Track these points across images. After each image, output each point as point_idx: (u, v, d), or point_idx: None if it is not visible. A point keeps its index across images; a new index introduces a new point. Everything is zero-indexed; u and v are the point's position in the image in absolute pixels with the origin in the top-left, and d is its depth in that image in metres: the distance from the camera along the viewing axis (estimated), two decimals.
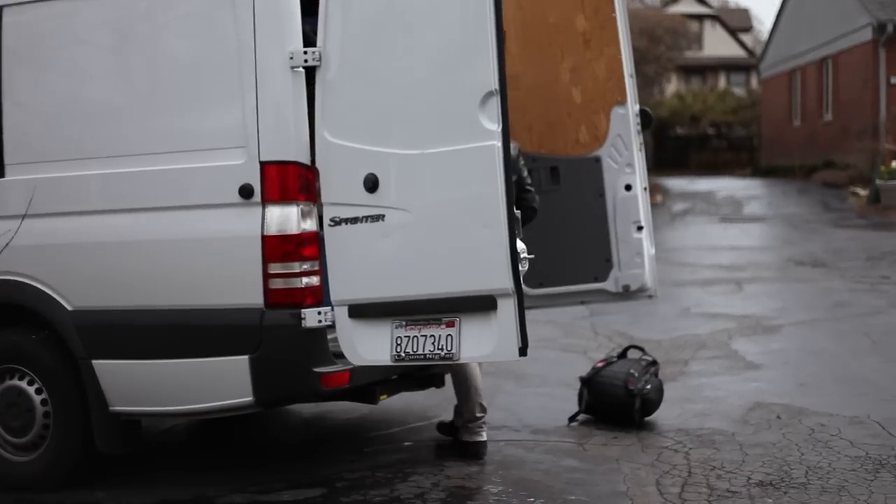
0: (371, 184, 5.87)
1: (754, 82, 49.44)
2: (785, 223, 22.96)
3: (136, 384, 6.43)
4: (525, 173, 7.16)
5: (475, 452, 6.98)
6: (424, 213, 5.80)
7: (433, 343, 5.84)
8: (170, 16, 6.37)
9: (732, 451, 7.12)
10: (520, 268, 5.65)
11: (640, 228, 7.71)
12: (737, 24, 57.78)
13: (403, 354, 5.92)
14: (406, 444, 7.46)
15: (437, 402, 8.31)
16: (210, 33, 6.23)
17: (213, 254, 6.20)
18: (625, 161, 7.68)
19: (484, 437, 7.04)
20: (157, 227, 6.31)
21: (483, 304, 5.68)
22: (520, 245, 5.73)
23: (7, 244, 6.65)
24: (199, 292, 6.24)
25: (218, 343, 6.19)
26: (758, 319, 12.07)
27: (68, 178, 6.55)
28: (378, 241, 5.90)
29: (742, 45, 55.75)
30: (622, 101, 7.58)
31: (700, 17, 54.74)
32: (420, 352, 5.87)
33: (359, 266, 6.00)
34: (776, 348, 10.53)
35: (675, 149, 46.71)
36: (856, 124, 28.75)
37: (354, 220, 5.95)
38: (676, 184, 33.73)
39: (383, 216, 5.87)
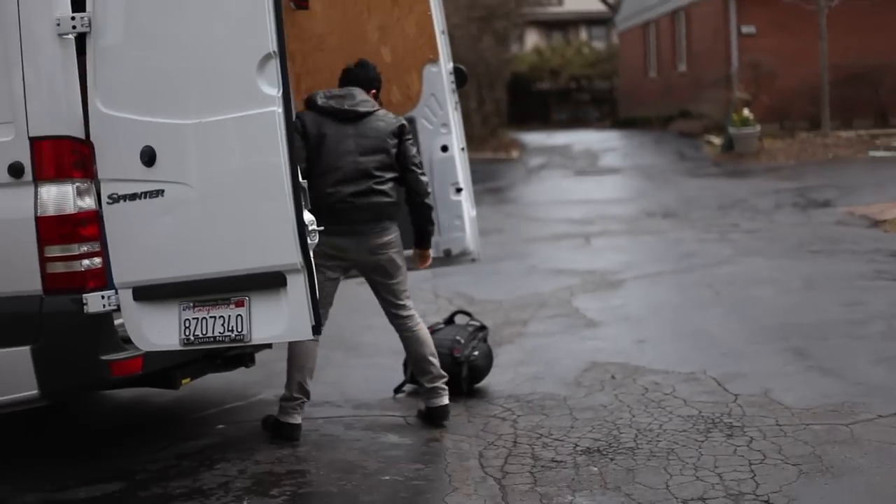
0: (148, 157, 5.48)
1: (615, 36, 49.60)
2: (640, 174, 22.92)
3: None
4: (412, 151, 6.72)
5: (287, 434, 6.61)
6: (205, 187, 5.42)
7: (223, 324, 5.49)
8: None
9: (562, 416, 6.87)
10: (309, 241, 5.29)
11: (458, 190, 7.40)
12: None
13: (193, 337, 5.55)
14: (219, 427, 7.07)
15: (258, 380, 7.96)
16: None
17: None
18: (440, 121, 7.36)
19: (297, 419, 6.66)
20: None
21: (272, 282, 5.34)
22: (308, 217, 5.37)
23: None
24: None
25: None
26: (602, 275, 11.88)
27: None
28: (158, 217, 5.52)
29: None
30: (434, 59, 7.25)
31: None
32: (210, 334, 5.52)
33: (140, 245, 5.62)
34: (617, 304, 10.34)
35: (536, 104, 46.62)
36: (709, 74, 28.83)
37: (133, 197, 5.56)
38: (534, 138, 33.59)
39: (162, 191, 5.49)
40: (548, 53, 48.79)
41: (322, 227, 5.69)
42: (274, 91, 5.21)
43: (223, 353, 6.60)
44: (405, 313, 6.86)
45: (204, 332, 5.54)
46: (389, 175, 6.56)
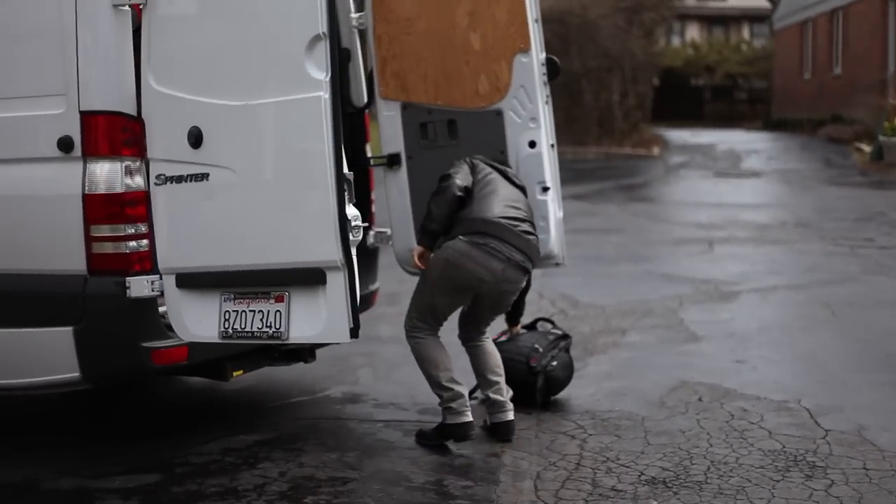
0: (195, 138, 5.26)
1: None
2: (780, 179, 22.13)
3: None
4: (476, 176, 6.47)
5: (460, 435, 6.27)
6: (249, 173, 5.18)
7: (261, 319, 5.25)
8: None
9: (635, 439, 6.43)
10: (351, 237, 4.97)
11: (545, 189, 6.96)
12: None
13: (231, 331, 5.31)
14: (278, 421, 6.78)
15: (330, 374, 7.69)
16: None
17: (33, 213, 5.59)
18: (529, 115, 6.93)
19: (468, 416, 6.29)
20: None
21: (311, 278, 5.07)
22: (351, 211, 5.05)
23: None
24: (18, 256, 5.64)
25: (40, 312, 5.60)
26: (717, 284, 11.32)
27: None
28: (202, 202, 5.30)
29: None
30: (526, 49, 6.82)
31: None
32: (248, 329, 5.28)
33: (185, 230, 5.41)
34: (725, 318, 9.80)
35: (689, 100, 45.73)
36: (864, 78, 27.81)
37: (179, 179, 5.35)
38: (679, 136, 32.86)
39: (207, 175, 5.26)
40: (704, 49, 47.82)
41: (367, 224, 5.37)
42: (322, 75, 4.91)
43: (280, 346, 6.31)
44: (482, 334, 6.57)
45: (242, 327, 5.29)
46: None
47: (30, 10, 5.53)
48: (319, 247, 4.99)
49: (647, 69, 29.42)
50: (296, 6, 4.94)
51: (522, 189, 6.56)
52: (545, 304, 10.47)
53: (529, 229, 6.31)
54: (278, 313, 5.20)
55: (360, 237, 5.12)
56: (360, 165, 7.19)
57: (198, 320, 5.40)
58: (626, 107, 28.76)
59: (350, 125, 7.17)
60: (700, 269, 12.42)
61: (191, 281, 5.40)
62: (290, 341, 5.25)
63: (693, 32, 52.03)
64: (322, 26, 4.86)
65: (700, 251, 13.71)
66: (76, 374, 5.57)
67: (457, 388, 6.20)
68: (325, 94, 4.90)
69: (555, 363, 7.11)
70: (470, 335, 6.51)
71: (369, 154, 7.28)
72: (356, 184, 7.07)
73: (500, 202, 6.25)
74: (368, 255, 7.22)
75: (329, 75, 4.90)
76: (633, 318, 9.82)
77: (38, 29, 5.50)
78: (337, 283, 5.00)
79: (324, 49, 4.89)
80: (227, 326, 5.33)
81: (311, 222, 5.02)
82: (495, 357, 6.52)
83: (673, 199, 19.75)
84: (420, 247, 6.28)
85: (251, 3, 5.16)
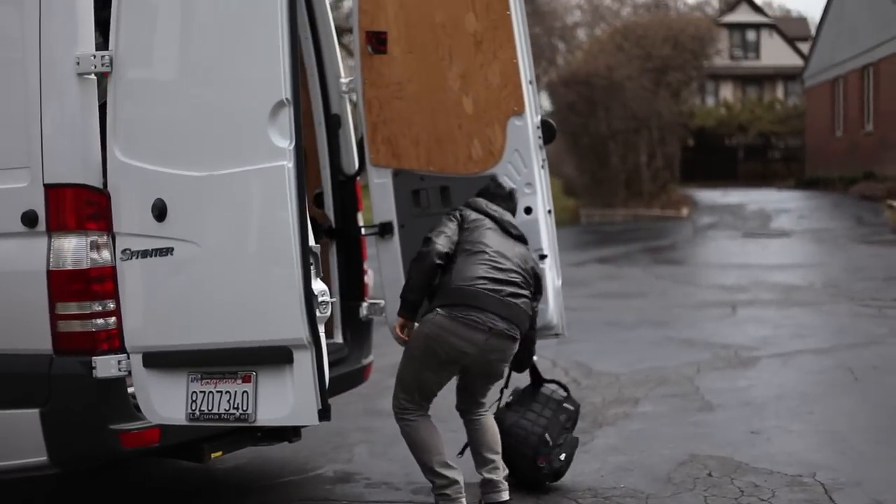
0: (158, 211, 5.04)
1: None
2: (810, 239, 21.77)
3: None
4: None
5: None
6: (214, 247, 4.96)
7: (228, 401, 5.01)
8: None
9: None
10: (318, 313, 4.72)
11: (542, 258, 6.68)
12: (795, 34, 56.28)
13: (199, 413, 5.07)
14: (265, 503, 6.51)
15: (325, 451, 7.42)
16: None
17: None
18: (524, 180, 6.68)
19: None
20: None
21: (278, 357, 4.81)
22: (319, 286, 4.80)
23: None
24: None
25: (5, 394, 5.34)
26: (736, 350, 10.99)
27: None
28: (167, 278, 5.07)
29: (799, 53, 54.32)
30: (520, 112, 6.59)
31: (757, 27, 53.53)
32: (215, 410, 5.04)
33: (151, 307, 5.18)
34: (742, 386, 9.46)
35: (722, 159, 45.43)
36: None
37: (145, 254, 5.13)
38: (708, 196, 32.52)
39: (172, 249, 5.05)
40: (737, 108, 47.64)
41: (335, 299, 5.09)
42: (285, 143, 4.69)
43: (263, 426, 6.03)
44: (481, 406, 6.25)
45: (210, 408, 5.06)
46: None
47: None
48: (285, 324, 4.75)
49: (675, 130, 29.18)
50: (258, 72, 4.74)
51: (520, 238, 6.22)
52: (558, 372, 10.18)
53: (517, 291, 5.93)
54: (245, 394, 4.97)
55: (328, 313, 4.87)
56: (352, 235, 6.98)
57: (165, 401, 5.16)
58: (653, 168, 28.50)
59: (341, 193, 6.99)
60: (721, 333, 12.09)
61: (158, 360, 5.16)
62: (258, 424, 5.00)
63: (727, 92, 51.88)
64: (285, 92, 4.65)
65: (722, 315, 13.38)
66: (44, 458, 5.32)
67: (451, 474, 5.90)
68: (288, 164, 4.67)
69: (562, 457, 6.72)
70: (468, 406, 6.20)
71: (361, 223, 7.05)
72: (348, 254, 6.92)
73: (485, 264, 5.90)
74: (362, 328, 6.99)
75: (293, 143, 4.67)
76: (647, 386, 9.50)
77: (0, 100, 5.30)
78: (304, 362, 4.75)
79: (287, 116, 4.67)
80: (194, 408, 5.09)
81: (277, 298, 4.78)
82: (493, 434, 6.19)
83: (699, 261, 19.43)
84: (400, 318, 6.01)
85: (214, 69, 4.96)
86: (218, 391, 5.04)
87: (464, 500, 5.91)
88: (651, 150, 28.26)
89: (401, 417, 5.97)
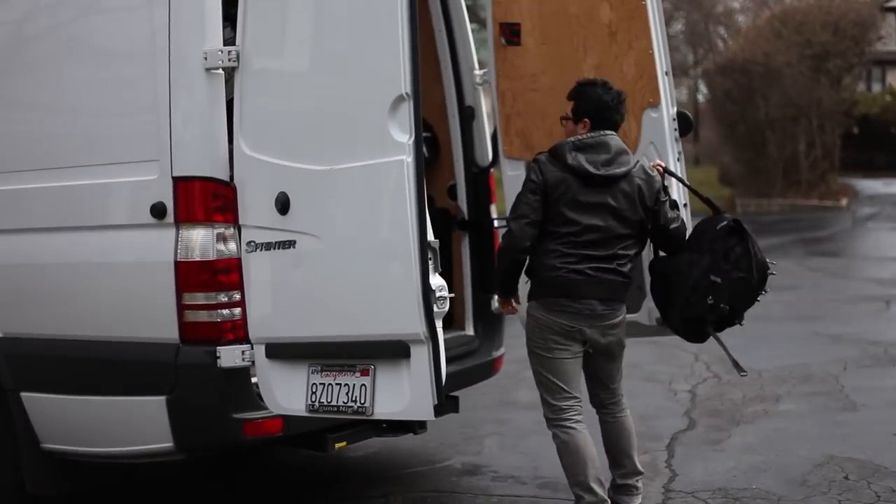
0: (282, 204, 5.08)
1: None
2: None
3: (64, 420, 5.77)
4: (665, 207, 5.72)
5: None
6: (334, 241, 4.99)
7: (347, 393, 5.01)
8: (80, 13, 5.72)
9: None
10: (436, 309, 4.70)
11: None
12: None
13: (318, 405, 5.10)
14: (389, 493, 6.54)
15: (455, 442, 7.42)
16: (123, 29, 5.51)
17: (127, 281, 5.48)
18: None
19: None
20: (71, 249, 5.65)
21: (395, 351, 4.81)
22: (437, 281, 4.77)
23: None
24: (115, 323, 5.53)
25: (135, 381, 5.48)
26: (886, 347, 10.65)
27: None
28: (290, 270, 5.11)
29: None
30: (655, 103, 6.45)
31: None
32: (334, 403, 5.05)
33: (274, 299, 5.24)
34: (890, 385, 9.18)
35: (890, 148, 44.02)
36: None
37: (268, 246, 5.17)
38: (869, 186, 31.56)
39: (294, 242, 5.07)
40: None
41: (453, 294, 5.02)
42: (405, 138, 4.68)
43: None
44: (615, 399, 5.96)
45: (329, 401, 5.07)
46: (633, 251, 5.70)
47: (122, 76, 5.46)
48: (402, 318, 4.74)
49: (836, 117, 28.39)
50: (378, 66, 4.73)
51: (612, 179, 5.52)
52: (699, 366, 10.02)
53: (607, 266, 5.49)
54: (363, 387, 4.97)
55: (446, 308, 4.83)
56: (485, 227, 6.96)
57: (287, 393, 5.20)
58: (812, 157, 27.78)
59: (474, 185, 6.97)
60: (872, 329, 11.74)
61: (280, 351, 5.20)
62: (374, 417, 5.01)
63: (894, 79, 50.28)
64: (406, 86, 4.63)
65: (875, 310, 12.99)
66: (169, 445, 5.42)
67: (601, 493, 5.53)
68: (407, 158, 4.66)
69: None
70: (602, 396, 5.89)
71: (494, 215, 7.02)
72: (480, 246, 6.89)
73: (573, 245, 5.44)
74: (494, 320, 6.96)
75: (413, 138, 4.66)
76: (790, 384, 9.27)
77: (131, 94, 5.42)
78: (421, 357, 4.73)
79: (407, 110, 4.66)
80: (314, 400, 5.10)
81: (394, 292, 4.78)
82: (630, 436, 5.88)
83: (855, 254, 18.91)
84: (500, 298, 5.80)
85: (339, 63, 4.98)
86: (337, 383, 5.04)
87: None
88: (810, 138, 27.54)
89: (557, 424, 5.57)
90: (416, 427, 6.19)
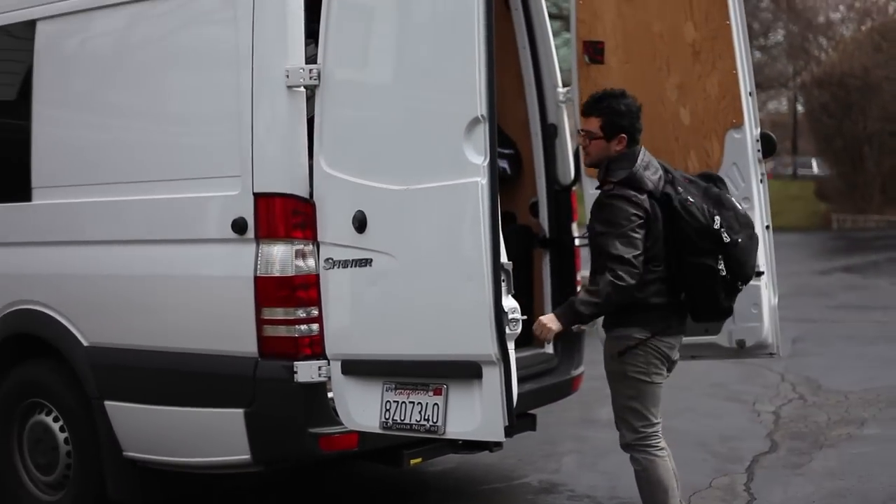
0: (359, 223, 5.13)
1: None
2: None
3: (145, 430, 5.89)
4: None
5: None
6: (409, 260, 5.02)
7: (420, 412, 5.05)
8: (165, 30, 5.83)
9: None
10: (508, 331, 4.71)
11: (758, 275, 6.47)
12: None
13: (391, 422, 5.14)
14: None
15: (533, 459, 7.45)
16: (207, 48, 5.62)
17: (208, 295, 5.58)
18: (742, 194, 6.47)
19: None
20: (153, 262, 5.77)
21: (468, 372, 4.83)
22: (509, 303, 4.76)
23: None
24: (196, 336, 5.63)
25: (215, 393, 5.57)
26: None
27: (78, 205, 6.08)
28: (366, 288, 5.17)
29: None
30: (738, 124, 6.41)
31: None
32: (407, 421, 5.08)
33: (351, 315, 5.30)
34: None
35: None
36: None
37: (346, 264, 5.23)
38: None
39: (370, 260, 5.13)
40: None
41: (525, 317, 4.96)
42: (480, 160, 4.69)
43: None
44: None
45: (402, 418, 5.09)
46: None
47: (205, 92, 5.57)
48: (475, 339, 4.74)
49: None
50: (456, 86, 4.77)
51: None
52: (785, 387, 9.93)
53: None
54: (436, 406, 4.98)
55: (518, 330, 4.83)
56: (566, 245, 6.95)
57: (361, 409, 5.25)
58: None
59: (556, 203, 6.97)
60: None
61: (355, 368, 5.25)
62: (446, 436, 5.05)
63: None
64: (481, 108, 4.65)
65: None
66: (247, 457, 5.50)
67: None
68: (482, 180, 4.68)
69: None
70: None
71: (576, 233, 7.01)
72: (561, 264, 6.89)
73: (661, 277, 5.27)
74: (573, 339, 6.95)
75: (487, 160, 4.68)
76: (877, 407, 9.13)
77: (214, 111, 5.52)
78: (493, 377, 4.73)
79: (482, 132, 4.68)
80: (387, 417, 5.13)
81: (468, 313, 4.78)
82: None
83: None
84: (561, 323, 5.25)
85: (415, 84, 5.05)
86: (410, 402, 5.07)
87: None
88: None
89: (641, 449, 5.32)
90: (491, 445, 6.20)
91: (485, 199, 4.66)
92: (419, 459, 5.94)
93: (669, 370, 5.43)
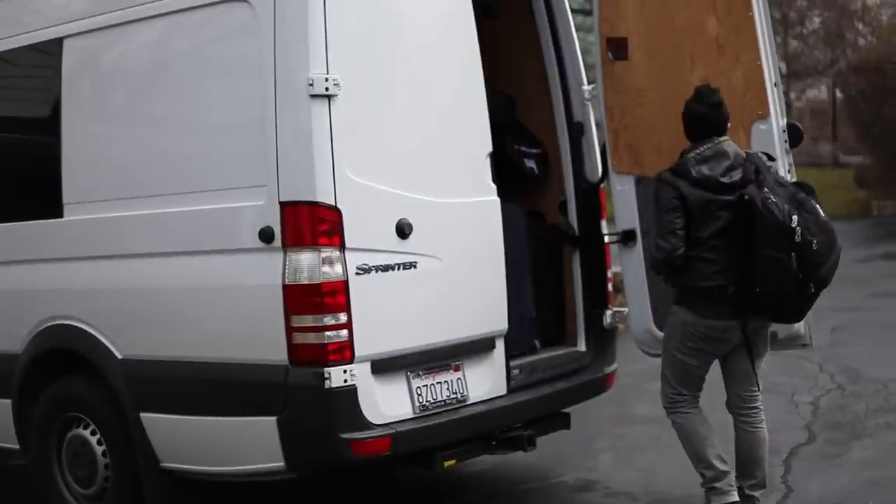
0: (404, 229, 5.58)
1: None
2: None
3: (180, 440, 5.96)
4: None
5: None
6: (450, 261, 5.82)
7: (447, 388, 5.85)
8: (192, 43, 5.90)
9: None
10: None
11: None
12: None
13: (427, 403, 5.73)
14: None
15: (569, 459, 7.44)
16: (232, 58, 5.69)
17: (238, 304, 5.64)
18: None
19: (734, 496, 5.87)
20: (182, 273, 5.84)
21: (483, 346, 6.01)
22: None
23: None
24: (228, 345, 5.70)
25: (247, 402, 5.63)
26: None
27: (108, 220, 6.16)
28: (409, 289, 5.66)
29: None
30: (764, 116, 6.39)
31: None
32: (440, 398, 5.81)
33: (386, 317, 5.57)
34: None
35: None
36: None
37: (386, 268, 5.54)
38: None
39: (415, 263, 5.67)
40: None
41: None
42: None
43: (498, 435, 6.13)
44: (756, 404, 6.04)
45: (434, 398, 5.76)
46: None
47: (230, 103, 5.62)
48: (495, 319, 6.03)
49: None
50: (474, 125, 5.97)
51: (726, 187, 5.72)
52: (824, 377, 9.86)
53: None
54: (459, 380, 5.89)
55: None
56: (595, 242, 6.96)
57: (390, 401, 5.54)
58: None
59: (584, 201, 6.97)
60: None
61: (385, 365, 5.51)
62: (469, 401, 5.90)
63: None
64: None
65: None
66: (281, 464, 5.56)
67: (723, 466, 5.83)
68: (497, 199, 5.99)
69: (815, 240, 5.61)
70: (741, 398, 6.01)
71: (605, 230, 7.02)
72: (591, 261, 6.92)
73: (709, 257, 5.72)
74: (605, 336, 6.97)
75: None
76: None
77: (239, 122, 5.57)
78: (500, 346, 6.05)
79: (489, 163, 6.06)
80: (421, 401, 5.69)
81: (491, 300, 6.01)
82: (763, 447, 5.99)
83: None
84: None
85: (444, 111, 5.91)
86: (437, 382, 5.79)
87: (735, 493, 5.83)
88: None
89: (674, 411, 5.94)
90: (525, 444, 6.23)
91: (498, 211, 6.05)
92: (453, 461, 6.00)
93: (716, 355, 5.88)
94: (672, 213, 5.69)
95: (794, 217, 5.48)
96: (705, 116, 5.86)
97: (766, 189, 5.58)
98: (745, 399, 5.98)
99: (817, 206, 5.66)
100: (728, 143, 5.86)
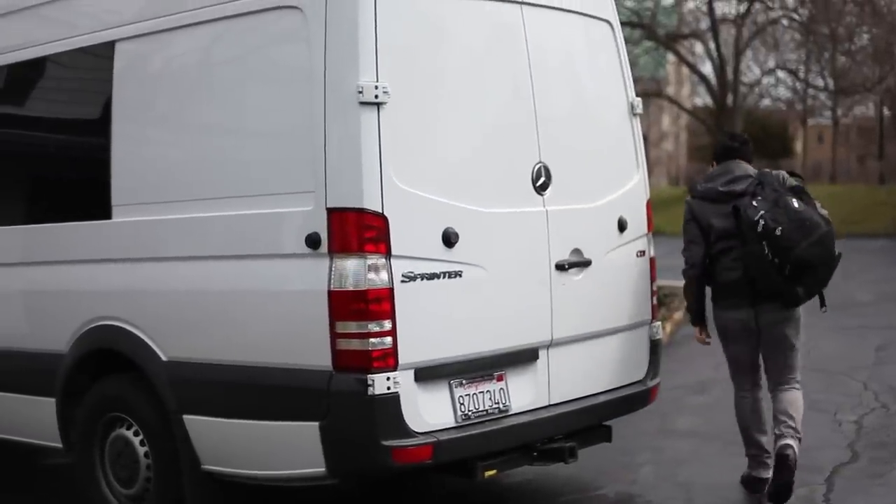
0: (450, 238, 5.59)
1: None
2: None
3: (223, 443, 5.97)
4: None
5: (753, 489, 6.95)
6: (495, 271, 5.80)
7: (490, 398, 5.84)
8: (242, 49, 5.90)
9: None
10: None
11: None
12: None
13: (469, 412, 5.72)
14: None
15: (612, 469, 7.41)
16: (282, 65, 5.69)
17: (283, 309, 5.64)
18: None
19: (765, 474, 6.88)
20: (228, 277, 5.86)
21: (525, 357, 6.02)
22: None
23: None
24: (270, 350, 5.70)
25: (290, 407, 5.63)
26: None
27: (157, 222, 6.19)
28: (454, 298, 5.65)
29: None
30: None
31: None
32: (482, 408, 5.79)
33: (430, 325, 5.56)
34: None
35: None
36: None
37: (432, 277, 5.54)
38: None
39: (461, 273, 5.67)
40: None
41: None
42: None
43: (539, 446, 6.12)
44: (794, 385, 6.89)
45: (476, 407, 5.75)
46: None
47: (279, 109, 5.63)
48: (538, 329, 6.03)
49: None
50: (521, 135, 6.02)
51: (732, 195, 6.64)
52: (868, 396, 9.78)
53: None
54: (502, 390, 5.88)
55: None
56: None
57: (433, 410, 5.54)
58: None
59: None
60: None
61: (428, 373, 5.50)
62: (511, 412, 5.90)
63: None
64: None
65: None
66: (322, 470, 5.56)
67: (763, 442, 6.87)
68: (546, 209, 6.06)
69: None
70: (775, 381, 6.84)
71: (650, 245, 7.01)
72: None
73: (725, 259, 6.67)
74: (650, 349, 6.93)
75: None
76: None
77: (287, 128, 5.58)
78: (544, 357, 6.06)
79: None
80: (463, 410, 5.69)
81: (538, 309, 6.00)
82: (794, 404, 6.73)
83: None
84: (695, 326, 7.05)
85: (492, 122, 5.94)
86: (479, 392, 5.78)
87: (770, 462, 6.74)
88: None
89: (736, 393, 6.98)
90: (566, 456, 6.20)
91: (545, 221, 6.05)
92: (493, 471, 5.98)
93: (749, 343, 6.75)
94: (688, 226, 6.79)
95: (762, 212, 6.34)
96: (727, 148, 6.93)
97: (758, 198, 6.44)
98: (782, 384, 6.80)
99: (794, 201, 6.40)
100: (737, 163, 6.77)
